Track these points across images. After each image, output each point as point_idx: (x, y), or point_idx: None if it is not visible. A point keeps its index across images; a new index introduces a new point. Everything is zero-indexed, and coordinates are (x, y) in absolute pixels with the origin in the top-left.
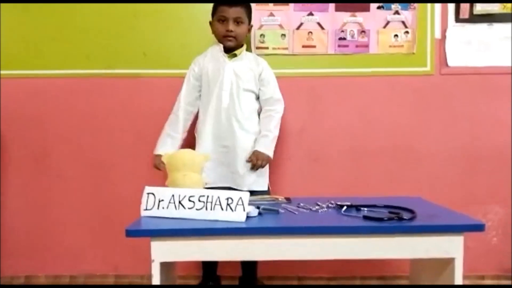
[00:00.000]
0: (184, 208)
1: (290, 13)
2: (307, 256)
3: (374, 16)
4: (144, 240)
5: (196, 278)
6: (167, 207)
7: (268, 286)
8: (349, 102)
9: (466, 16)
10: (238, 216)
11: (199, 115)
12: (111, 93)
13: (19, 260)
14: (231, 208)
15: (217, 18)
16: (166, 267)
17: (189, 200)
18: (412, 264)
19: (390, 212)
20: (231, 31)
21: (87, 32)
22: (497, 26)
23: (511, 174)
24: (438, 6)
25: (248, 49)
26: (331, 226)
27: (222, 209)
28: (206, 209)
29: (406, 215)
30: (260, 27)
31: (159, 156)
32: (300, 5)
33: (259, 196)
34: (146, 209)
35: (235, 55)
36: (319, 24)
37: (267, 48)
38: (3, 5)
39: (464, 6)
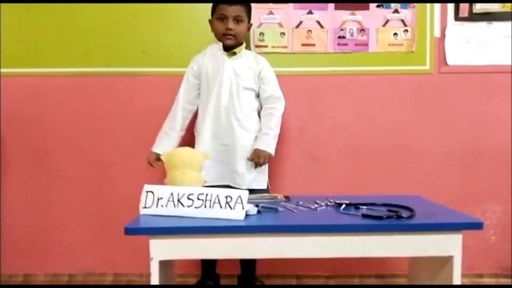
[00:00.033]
0: (183, 206)
1: (289, 12)
2: (306, 254)
3: (373, 14)
4: (143, 238)
5: (195, 277)
6: (166, 205)
7: (267, 286)
8: (348, 101)
9: (466, 14)
10: (237, 214)
11: (198, 114)
12: (110, 92)
13: (17, 259)
14: (230, 206)
15: (217, 16)
16: (165, 265)
17: (188, 198)
18: (410, 262)
19: (389, 211)
20: (231, 29)
21: (85, 30)
22: (497, 25)
23: (510, 173)
24: (437, 4)
25: (248, 47)
26: (329, 225)
27: (221, 207)
28: (205, 207)
29: (405, 214)
30: (260, 25)
31: (154, 153)
32: (299, 3)
33: (258, 195)
34: (145, 207)
35: (235, 54)
36: (318, 22)
37: (266, 46)
38: (2, 3)
39: (464, 5)
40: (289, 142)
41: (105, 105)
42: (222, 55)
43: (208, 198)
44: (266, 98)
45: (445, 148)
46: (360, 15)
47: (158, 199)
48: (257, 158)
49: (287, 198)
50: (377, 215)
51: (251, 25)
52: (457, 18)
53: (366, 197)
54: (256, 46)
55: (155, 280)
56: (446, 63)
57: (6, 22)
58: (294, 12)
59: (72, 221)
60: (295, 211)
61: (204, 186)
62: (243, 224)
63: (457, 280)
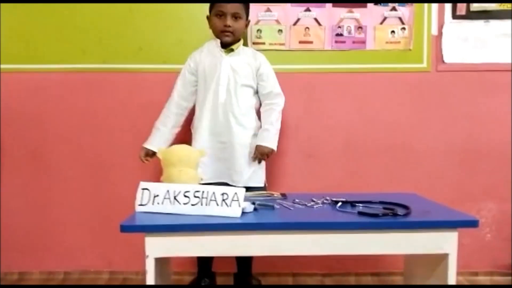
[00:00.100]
0: (179, 203)
1: (287, 9)
2: (302, 252)
3: (371, 12)
4: (139, 236)
5: (191, 275)
6: (162, 203)
7: (263, 286)
8: (345, 98)
9: (463, 12)
10: (233, 212)
11: (196, 111)
12: (106, 89)
13: (13, 257)
14: (226, 204)
15: (215, 13)
16: (160, 263)
17: (184, 196)
18: (406, 260)
19: (385, 208)
20: (229, 26)
21: (82, 27)
22: (494, 23)
23: (506, 171)
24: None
25: (245, 44)
26: (325, 222)
27: (217, 204)
28: (201, 204)
29: (400, 211)
30: (257, 22)
31: (144, 148)
32: (297, 2)
33: (255, 192)
34: (141, 205)
35: (232, 50)
36: (316, 20)
37: (263, 43)
38: (2, 3)
39: (461, 3)
40: (286, 140)
41: (102, 102)
42: (220, 52)
43: (205, 195)
44: (266, 94)
45: (442, 146)
46: (357, 12)
47: (154, 197)
48: (260, 155)
49: (283, 195)
50: (373, 213)
51: (249, 22)
52: (455, 16)
53: (362, 195)
54: (254, 43)
55: (150, 278)
56: (443, 61)
57: (4, 20)
58: (292, 9)
59: (69, 219)
60: (292, 208)
61: (201, 184)
62: (239, 221)
63: (452, 278)
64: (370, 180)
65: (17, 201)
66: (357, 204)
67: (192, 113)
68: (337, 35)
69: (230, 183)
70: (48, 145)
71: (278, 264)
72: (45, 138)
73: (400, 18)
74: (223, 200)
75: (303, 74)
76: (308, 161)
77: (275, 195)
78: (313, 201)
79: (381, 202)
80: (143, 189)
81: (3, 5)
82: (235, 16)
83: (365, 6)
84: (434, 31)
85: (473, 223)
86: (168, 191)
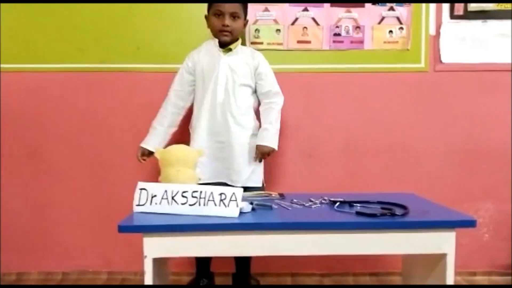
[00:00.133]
0: (177, 203)
1: (285, 8)
2: (300, 252)
3: (369, 12)
4: (137, 236)
5: (189, 275)
6: (160, 203)
7: (262, 286)
8: (343, 98)
9: (461, 12)
10: (231, 212)
11: (194, 111)
12: (104, 88)
13: (12, 258)
14: (224, 204)
15: (213, 12)
16: (159, 263)
17: (182, 196)
18: (404, 260)
19: (383, 208)
20: (227, 25)
21: (82, 27)
22: (492, 23)
23: (505, 172)
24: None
25: (243, 44)
26: (323, 222)
27: (215, 204)
28: (199, 204)
29: (398, 211)
30: (255, 22)
31: (141, 148)
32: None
33: (253, 192)
34: (139, 205)
35: (230, 50)
36: (314, 19)
37: (261, 43)
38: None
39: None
40: (285, 140)
41: (101, 102)
42: (218, 51)
43: (202, 195)
44: (265, 93)
45: (442, 146)
46: (355, 12)
47: (152, 197)
48: (260, 155)
49: (281, 195)
50: (371, 213)
51: (247, 21)
52: (452, 16)
53: (361, 194)
54: (252, 43)
55: (148, 278)
56: (441, 61)
57: (4, 20)
58: (290, 9)
59: (68, 219)
60: (290, 208)
61: (199, 184)
62: (237, 221)
63: (450, 278)
64: (370, 180)
65: (16, 201)
66: (355, 204)
67: (189, 113)
68: (335, 34)
69: (229, 183)
70: (48, 145)
71: (277, 264)
72: (45, 138)
73: (398, 18)
74: (221, 200)
75: (301, 74)
76: (307, 161)
77: (273, 195)
78: (311, 201)
79: (379, 202)
80: (141, 189)
81: (3, 5)
82: (234, 16)
83: (363, 6)
84: (432, 31)
85: (470, 223)
86: (166, 191)
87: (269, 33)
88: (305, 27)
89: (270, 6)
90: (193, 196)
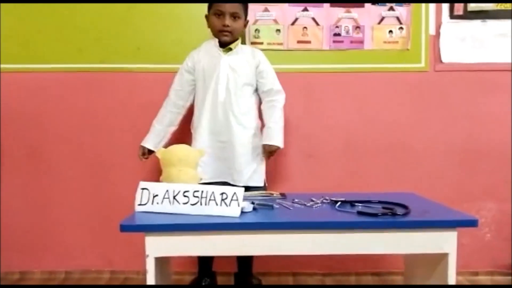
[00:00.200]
0: (179, 203)
1: (285, 8)
2: (301, 251)
3: (369, 12)
4: (140, 235)
5: (191, 274)
6: (162, 202)
7: (263, 286)
8: (343, 98)
9: (461, 12)
10: (232, 212)
11: (195, 111)
12: (104, 88)
13: (15, 257)
14: (225, 204)
15: (214, 12)
16: (161, 262)
17: (184, 195)
18: (406, 260)
19: (384, 208)
20: (228, 26)
21: (82, 27)
22: (491, 23)
23: (505, 171)
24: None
25: (243, 44)
26: (325, 222)
27: (216, 204)
28: (201, 204)
29: (400, 211)
30: (255, 22)
31: (141, 147)
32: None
33: (254, 192)
34: (140, 204)
35: (231, 49)
36: (314, 19)
37: (262, 43)
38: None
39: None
40: (285, 140)
41: (101, 102)
42: (218, 51)
43: (204, 195)
44: (266, 91)
45: (442, 146)
46: (355, 12)
47: (154, 196)
48: (268, 154)
49: (283, 195)
50: (372, 213)
51: (248, 22)
52: (452, 16)
53: (362, 194)
54: (252, 43)
55: (151, 277)
56: (441, 61)
57: (4, 20)
58: (290, 9)
59: (69, 219)
60: (291, 208)
61: (202, 183)
62: (238, 221)
63: (452, 278)
64: (370, 180)
65: (17, 201)
66: (356, 204)
67: (190, 112)
68: (335, 34)
69: (231, 183)
70: (48, 145)
71: (279, 263)
72: (45, 138)
73: (397, 18)
74: (222, 199)
75: (301, 74)
76: (308, 161)
77: (275, 195)
78: (313, 201)
79: (380, 202)
80: (143, 189)
81: (3, 5)
82: (234, 16)
83: (363, 6)
84: (432, 31)
85: (472, 223)
86: (167, 190)
87: (269, 33)
88: (305, 27)
89: (270, 6)
90: (194, 196)
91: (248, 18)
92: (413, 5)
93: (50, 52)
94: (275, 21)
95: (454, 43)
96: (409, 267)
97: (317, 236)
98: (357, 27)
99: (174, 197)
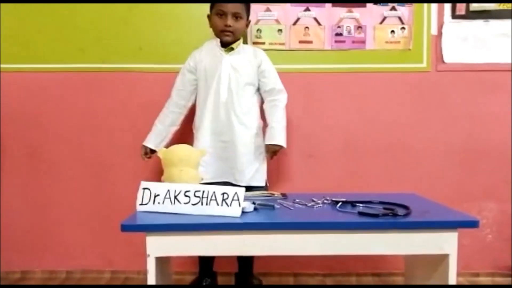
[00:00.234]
0: (180, 203)
1: (286, 8)
2: (302, 252)
3: (370, 12)
4: (140, 235)
5: (192, 274)
6: (163, 202)
7: (264, 286)
8: (345, 98)
9: (463, 12)
10: (233, 212)
11: (197, 111)
12: (106, 88)
13: (15, 256)
14: (226, 204)
15: (216, 12)
16: (161, 262)
17: (185, 195)
18: (406, 261)
19: (385, 208)
20: (230, 26)
21: (82, 27)
22: (493, 23)
23: (506, 172)
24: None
25: (245, 44)
26: (326, 222)
27: (217, 204)
28: (202, 204)
29: (400, 211)
30: (257, 22)
31: (143, 146)
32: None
33: (255, 192)
34: (142, 204)
35: (232, 49)
36: (315, 19)
37: (263, 43)
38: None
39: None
40: (286, 139)
41: (101, 102)
42: (220, 51)
43: (205, 195)
44: (268, 91)
45: (442, 146)
46: (357, 12)
47: (155, 196)
48: (272, 153)
49: (284, 195)
50: (373, 213)
51: (250, 22)
52: (454, 16)
53: (362, 195)
54: (253, 43)
55: (151, 277)
56: (443, 61)
57: (4, 20)
58: (291, 9)
59: (69, 219)
60: (292, 208)
61: (203, 183)
62: (239, 221)
63: (452, 279)
64: (370, 180)
65: (17, 201)
66: (357, 204)
67: (192, 112)
68: (337, 34)
69: (233, 182)
70: (48, 145)
71: (279, 264)
72: (45, 138)
73: (399, 18)
74: (223, 199)
75: (303, 74)
76: (308, 161)
77: (276, 195)
78: (314, 201)
79: (381, 202)
80: (144, 188)
81: (3, 5)
82: (236, 16)
83: (365, 6)
84: (434, 31)
85: (473, 224)
86: (168, 190)
87: (270, 33)
88: (307, 27)
89: (272, 6)
90: (195, 196)
91: (250, 18)
92: (415, 5)
93: (51, 52)
94: (277, 21)
95: (456, 43)
96: (409, 267)
97: (318, 237)
98: (359, 27)
99: (175, 197)
